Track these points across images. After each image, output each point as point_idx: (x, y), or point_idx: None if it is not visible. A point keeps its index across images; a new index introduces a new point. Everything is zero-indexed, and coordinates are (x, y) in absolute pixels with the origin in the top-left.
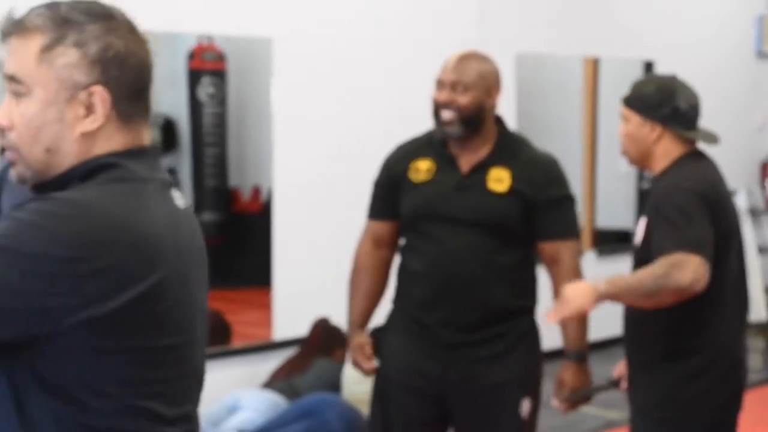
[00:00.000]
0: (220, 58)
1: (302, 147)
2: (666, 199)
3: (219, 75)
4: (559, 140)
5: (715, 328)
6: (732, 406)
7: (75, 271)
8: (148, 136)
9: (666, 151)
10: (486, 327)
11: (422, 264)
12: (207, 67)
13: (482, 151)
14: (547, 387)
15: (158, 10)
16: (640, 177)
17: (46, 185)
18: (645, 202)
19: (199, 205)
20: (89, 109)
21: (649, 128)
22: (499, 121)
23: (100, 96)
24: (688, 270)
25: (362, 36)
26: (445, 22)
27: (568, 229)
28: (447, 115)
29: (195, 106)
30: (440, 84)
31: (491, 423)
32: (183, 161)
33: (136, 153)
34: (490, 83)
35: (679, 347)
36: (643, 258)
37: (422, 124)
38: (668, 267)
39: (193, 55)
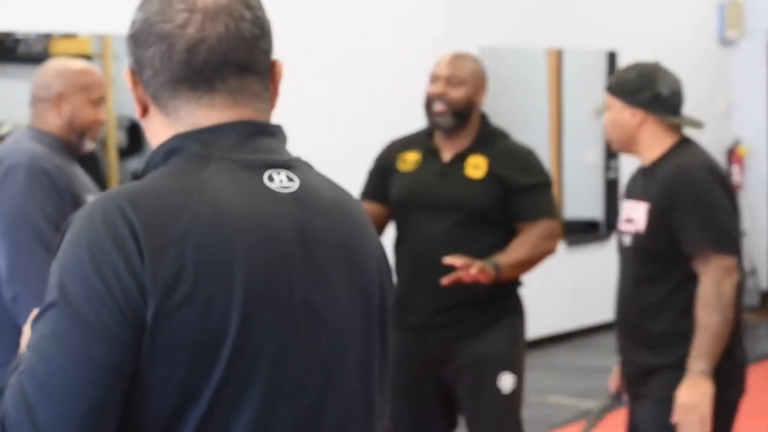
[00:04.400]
0: None
1: None
2: (682, 184)
3: None
4: (524, 132)
5: None
6: (735, 387)
7: None
8: (237, 111)
9: (654, 138)
10: (464, 307)
11: (405, 249)
12: None
13: (464, 143)
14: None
15: (120, 13)
16: (607, 167)
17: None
18: (630, 188)
19: None
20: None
21: (630, 114)
22: (483, 117)
23: (131, 79)
24: (731, 282)
25: (330, 29)
26: (410, 16)
27: (543, 212)
28: (439, 106)
29: None
30: (435, 77)
31: (473, 398)
32: None
33: (204, 132)
34: (480, 81)
35: (685, 330)
36: (647, 246)
37: (388, 113)
38: (719, 287)
39: None
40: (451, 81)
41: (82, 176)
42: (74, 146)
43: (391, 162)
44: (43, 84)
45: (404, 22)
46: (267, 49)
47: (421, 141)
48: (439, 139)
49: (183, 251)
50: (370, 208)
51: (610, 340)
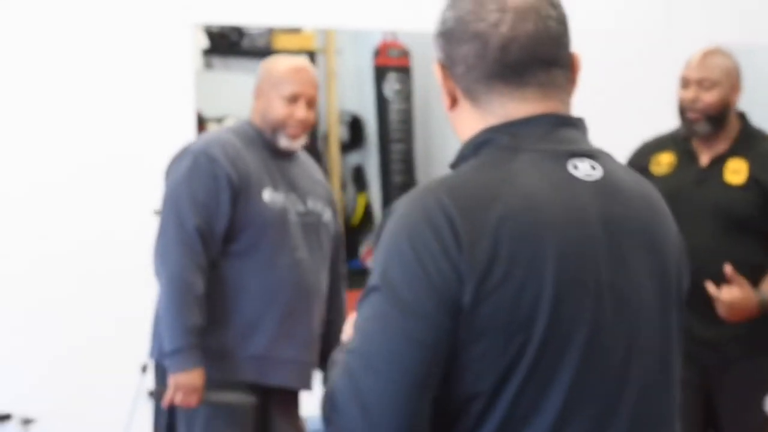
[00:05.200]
0: (405, 54)
1: None
2: None
3: (404, 71)
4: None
5: None
6: None
7: None
8: (536, 104)
9: None
10: (733, 325)
11: None
12: (392, 63)
13: (722, 146)
14: None
15: (344, 8)
16: None
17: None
18: None
19: (386, 201)
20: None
21: None
22: (742, 117)
23: (441, 73)
24: None
25: None
26: (631, 10)
27: None
28: (693, 114)
29: (381, 102)
30: (685, 81)
31: (735, 417)
32: (370, 158)
33: (512, 125)
34: (734, 80)
35: None
36: None
37: (605, 111)
38: None
39: (378, 52)
40: (702, 84)
41: (282, 171)
42: (270, 141)
43: (644, 165)
44: (256, 78)
45: (625, 18)
46: (568, 44)
47: (676, 142)
48: (696, 142)
49: (497, 239)
50: None
51: None
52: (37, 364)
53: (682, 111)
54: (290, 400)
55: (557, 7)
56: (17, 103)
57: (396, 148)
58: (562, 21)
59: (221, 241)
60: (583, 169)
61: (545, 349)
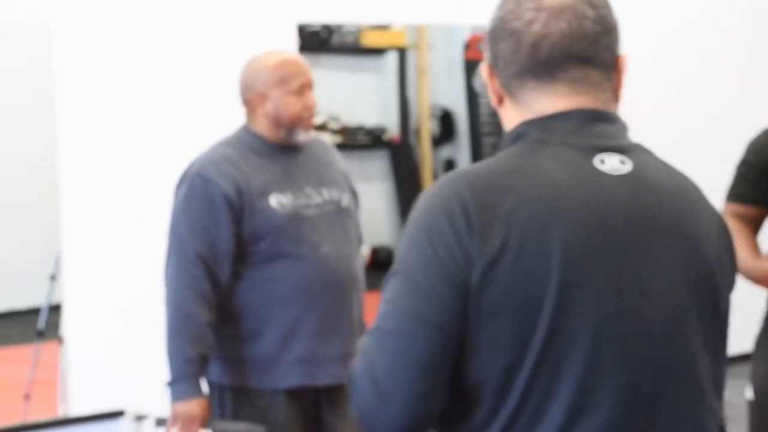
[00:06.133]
0: None
1: None
2: None
3: None
4: None
5: None
6: None
7: None
8: (571, 99)
9: None
10: None
11: None
12: (482, 57)
13: None
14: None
15: (435, 2)
16: None
17: None
18: None
19: None
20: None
21: None
22: None
23: (487, 71)
24: None
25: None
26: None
27: None
28: None
29: (471, 96)
30: None
31: None
32: (461, 151)
33: (545, 119)
34: None
35: None
36: None
37: (720, 106)
38: None
39: (468, 46)
40: None
41: (289, 169)
42: (285, 142)
43: None
44: (244, 85)
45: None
46: (610, 45)
47: None
48: None
49: (508, 226)
50: (744, 211)
51: None
52: (150, 362)
53: None
54: (343, 394)
55: (597, 8)
56: (132, 103)
57: (487, 141)
58: (601, 22)
59: (231, 262)
60: (610, 164)
61: (554, 336)
